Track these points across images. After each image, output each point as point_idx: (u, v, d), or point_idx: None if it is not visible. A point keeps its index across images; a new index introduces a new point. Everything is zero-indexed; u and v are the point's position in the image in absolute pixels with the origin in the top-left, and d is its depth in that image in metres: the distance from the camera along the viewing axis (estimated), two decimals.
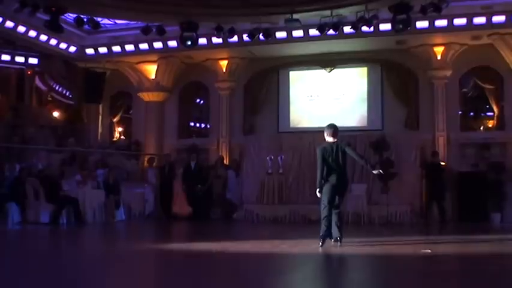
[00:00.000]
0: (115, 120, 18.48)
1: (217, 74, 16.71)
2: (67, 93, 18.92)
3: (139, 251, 8.38)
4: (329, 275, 6.51)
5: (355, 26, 12.45)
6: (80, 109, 18.22)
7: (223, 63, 16.53)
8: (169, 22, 13.54)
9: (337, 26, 12.71)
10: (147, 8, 12.63)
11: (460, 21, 13.78)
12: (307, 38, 14.65)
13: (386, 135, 14.07)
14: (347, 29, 12.99)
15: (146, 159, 16.93)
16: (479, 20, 13.67)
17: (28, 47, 16.39)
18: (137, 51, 16.39)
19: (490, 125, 15.34)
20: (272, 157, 14.34)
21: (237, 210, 14.62)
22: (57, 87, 18.96)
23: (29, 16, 12.60)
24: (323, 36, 13.35)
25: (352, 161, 9.00)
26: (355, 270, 6.78)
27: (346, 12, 12.57)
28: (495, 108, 14.99)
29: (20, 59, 17.28)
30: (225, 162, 15.95)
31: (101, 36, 16.36)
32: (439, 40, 14.60)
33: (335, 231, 8.19)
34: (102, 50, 16.62)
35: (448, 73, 14.93)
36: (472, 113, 15.70)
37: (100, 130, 18.22)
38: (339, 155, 8.21)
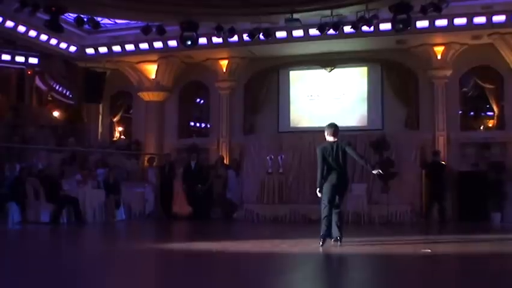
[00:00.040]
0: (115, 119, 18.49)
1: (218, 74, 16.71)
2: (67, 93, 18.92)
3: (140, 250, 8.38)
4: (329, 275, 6.51)
5: (356, 25, 12.46)
6: (80, 109, 18.22)
7: (224, 63, 16.53)
8: (169, 22, 13.53)
9: (338, 26, 12.72)
10: (147, 7, 12.63)
11: (460, 21, 13.77)
12: (307, 37, 14.65)
13: (387, 135, 14.08)
14: (347, 29, 12.99)
15: (146, 158, 16.93)
16: (480, 19, 13.66)
17: (28, 46, 16.38)
18: (137, 51, 16.39)
19: (490, 125, 15.33)
20: (272, 157, 14.35)
21: (237, 210, 14.63)
22: (57, 87, 18.96)
23: (29, 16, 12.59)
24: (323, 36, 13.35)
25: (352, 161, 8.99)
26: (355, 270, 6.78)
27: (347, 12, 12.57)
28: (495, 108, 14.99)
29: (20, 58, 17.28)
30: (225, 161, 15.95)
31: (101, 36, 16.35)
32: (439, 40, 14.60)
33: (335, 230, 8.19)
34: (102, 49, 16.62)
35: (448, 73, 14.93)
36: (472, 113, 15.69)
37: (100, 130, 18.22)
38: (339, 154, 8.20)
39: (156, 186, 15.45)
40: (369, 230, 11.52)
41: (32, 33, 15.25)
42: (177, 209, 14.56)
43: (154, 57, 16.70)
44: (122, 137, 18.41)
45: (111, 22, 15.82)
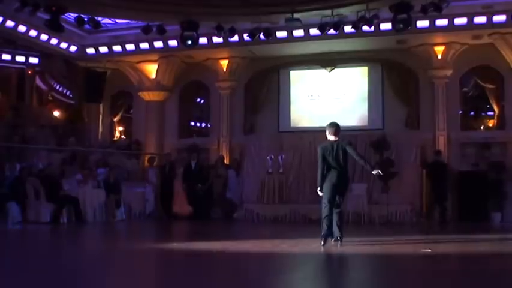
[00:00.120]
0: (115, 119, 18.49)
1: (218, 74, 16.71)
2: (67, 93, 18.93)
3: (140, 250, 8.38)
4: (329, 275, 6.50)
5: (356, 25, 12.46)
6: (80, 108, 18.22)
7: (224, 63, 16.53)
8: (169, 21, 13.52)
9: (338, 26, 12.72)
10: (148, 7, 12.63)
11: (460, 21, 13.77)
12: (307, 37, 14.65)
13: (387, 135, 14.07)
14: (348, 29, 12.99)
15: (147, 158, 16.94)
16: (480, 19, 13.66)
17: (29, 46, 16.39)
18: (138, 51, 16.40)
19: (491, 125, 15.33)
20: (272, 156, 14.34)
21: (238, 210, 14.63)
22: (57, 87, 18.97)
23: (29, 15, 12.59)
24: (324, 35, 13.34)
25: (352, 161, 8.98)
26: (355, 270, 6.78)
27: (347, 11, 12.57)
28: (495, 108, 14.98)
29: (20, 58, 17.28)
30: (225, 161, 15.95)
31: (101, 36, 16.35)
32: (440, 39, 14.60)
33: (335, 230, 8.18)
34: (103, 49, 16.61)
35: (449, 72, 14.93)
36: (472, 113, 15.69)
37: (100, 129, 18.23)
38: (340, 153, 8.19)
39: (157, 186, 15.45)
40: (369, 230, 11.52)
41: (33, 32, 15.25)
42: (177, 208, 14.56)
43: (155, 57, 16.71)
44: (123, 136, 18.42)
45: (111, 22, 15.81)
